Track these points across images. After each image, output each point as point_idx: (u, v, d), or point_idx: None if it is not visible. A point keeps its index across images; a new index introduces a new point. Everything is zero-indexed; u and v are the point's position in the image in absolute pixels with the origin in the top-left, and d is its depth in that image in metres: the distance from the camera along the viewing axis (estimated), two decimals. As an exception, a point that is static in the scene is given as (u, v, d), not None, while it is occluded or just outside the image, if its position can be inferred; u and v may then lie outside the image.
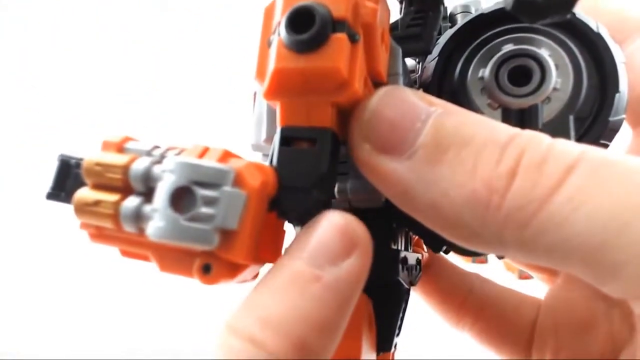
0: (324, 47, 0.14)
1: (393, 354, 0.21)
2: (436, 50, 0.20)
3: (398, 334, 0.20)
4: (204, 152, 0.15)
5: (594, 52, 0.18)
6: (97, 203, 0.14)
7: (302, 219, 0.14)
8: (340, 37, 0.14)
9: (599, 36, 0.18)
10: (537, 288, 0.28)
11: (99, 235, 0.14)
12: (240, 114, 0.18)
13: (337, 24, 0.14)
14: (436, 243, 0.20)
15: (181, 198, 0.13)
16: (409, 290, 0.20)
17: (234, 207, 0.13)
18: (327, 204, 0.15)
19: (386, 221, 0.19)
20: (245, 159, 0.15)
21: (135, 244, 0.14)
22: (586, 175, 0.13)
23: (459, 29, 0.20)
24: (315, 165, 0.15)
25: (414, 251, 0.23)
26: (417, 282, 0.22)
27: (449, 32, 0.20)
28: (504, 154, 0.14)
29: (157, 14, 1.01)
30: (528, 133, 0.14)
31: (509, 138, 0.14)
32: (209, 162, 0.13)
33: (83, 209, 0.14)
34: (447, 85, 0.20)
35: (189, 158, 0.13)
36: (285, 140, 0.15)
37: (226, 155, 0.15)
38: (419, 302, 0.28)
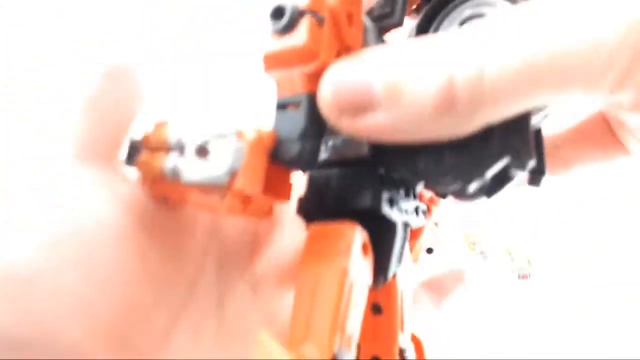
0: (295, 28, 0.18)
1: (393, 284, 0.24)
2: (413, 28, 0.24)
3: (398, 265, 0.23)
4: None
5: None
6: (150, 161, 0.20)
7: (295, 161, 0.19)
8: (306, 18, 0.18)
9: None
10: (535, 288, 0.28)
11: (153, 186, 0.20)
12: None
13: (305, 12, 0.18)
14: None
15: (202, 154, 0.18)
16: (405, 228, 0.23)
17: (238, 153, 0.18)
18: (313, 149, 0.19)
19: (372, 167, 0.22)
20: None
21: (175, 188, 0.19)
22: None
23: (432, 4, 0.24)
24: (300, 122, 0.19)
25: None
26: (417, 227, 0.25)
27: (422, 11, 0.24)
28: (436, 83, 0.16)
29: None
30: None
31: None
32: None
33: (142, 166, 0.20)
34: None
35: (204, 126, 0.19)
36: (279, 107, 0.20)
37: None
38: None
